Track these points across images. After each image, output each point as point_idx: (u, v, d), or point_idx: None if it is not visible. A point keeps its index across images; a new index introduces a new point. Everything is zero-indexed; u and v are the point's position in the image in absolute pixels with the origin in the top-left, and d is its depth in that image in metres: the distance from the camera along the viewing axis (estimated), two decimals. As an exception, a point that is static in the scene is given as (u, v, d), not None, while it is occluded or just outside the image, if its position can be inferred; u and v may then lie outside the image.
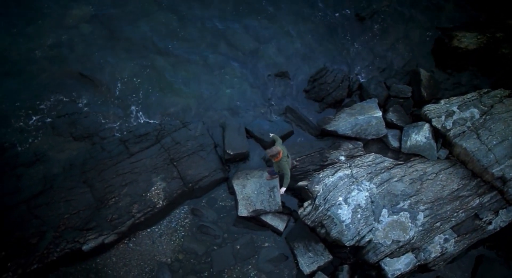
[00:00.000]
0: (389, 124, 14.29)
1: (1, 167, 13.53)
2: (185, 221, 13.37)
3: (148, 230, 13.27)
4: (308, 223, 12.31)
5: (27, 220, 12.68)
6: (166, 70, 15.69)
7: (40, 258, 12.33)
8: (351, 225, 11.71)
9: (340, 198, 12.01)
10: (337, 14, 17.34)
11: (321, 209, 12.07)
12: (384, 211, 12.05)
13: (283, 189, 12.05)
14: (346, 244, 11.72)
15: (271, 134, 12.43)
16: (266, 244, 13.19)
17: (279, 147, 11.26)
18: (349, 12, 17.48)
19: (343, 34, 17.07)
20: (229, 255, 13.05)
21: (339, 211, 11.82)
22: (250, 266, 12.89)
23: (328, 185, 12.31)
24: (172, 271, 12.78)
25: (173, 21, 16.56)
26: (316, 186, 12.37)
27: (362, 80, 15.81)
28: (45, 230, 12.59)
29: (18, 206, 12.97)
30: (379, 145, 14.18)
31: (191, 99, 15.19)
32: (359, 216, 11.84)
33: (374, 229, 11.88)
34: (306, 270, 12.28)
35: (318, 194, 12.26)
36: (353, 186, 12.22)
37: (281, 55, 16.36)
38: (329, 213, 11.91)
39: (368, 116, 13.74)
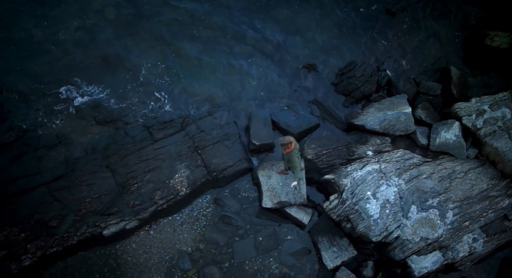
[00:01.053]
0: (418, 121, 14.06)
1: (22, 148, 13.18)
2: (207, 210, 13.08)
3: (170, 217, 12.97)
4: (333, 217, 12.01)
5: (47, 202, 12.46)
6: (191, 58, 15.47)
7: (60, 241, 12.10)
8: (379, 220, 11.40)
9: (369, 193, 11.71)
10: (366, 9, 16.90)
11: (348, 203, 11.78)
12: (413, 208, 11.74)
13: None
14: (372, 240, 11.39)
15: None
16: (289, 237, 12.92)
17: (292, 138, 11.00)
18: (378, 7, 16.95)
19: (372, 29, 16.85)
20: (251, 246, 12.77)
21: (368, 205, 11.52)
22: (271, 259, 12.62)
23: (356, 178, 12.00)
24: (193, 260, 12.52)
25: (199, 9, 16.32)
26: (343, 179, 12.06)
27: (391, 75, 15.26)
28: (65, 213, 12.37)
29: (38, 188, 12.77)
30: (406, 141, 13.90)
31: (216, 88, 14.92)
32: (387, 211, 11.54)
33: (402, 225, 11.59)
34: (330, 265, 11.98)
35: (346, 188, 11.96)
36: (381, 181, 11.91)
37: (308, 48, 16.10)
38: (356, 207, 11.60)
39: (397, 112, 13.46)
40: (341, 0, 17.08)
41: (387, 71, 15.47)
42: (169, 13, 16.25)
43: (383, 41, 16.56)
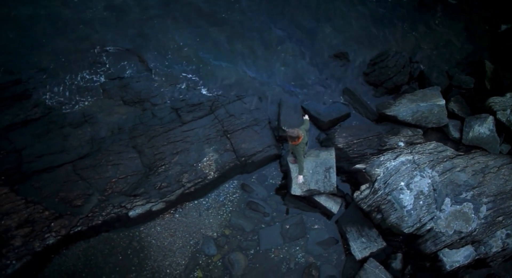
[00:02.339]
0: (450, 114, 13.85)
1: (47, 125, 12.94)
2: (234, 196, 12.83)
3: (195, 201, 12.70)
4: (364, 207, 11.74)
5: (72, 181, 12.26)
6: (221, 41, 15.20)
7: (84, 220, 11.89)
8: (412, 211, 11.14)
9: (402, 183, 11.45)
10: (401, 1, 16.56)
11: (380, 193, 11.50)
12: (447, 200, 11.49)
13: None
14: (404, 231, 11.16)
15: (305, 117, 12.03)
16: (316, 226, 12.68)
17: (301, 131, 10.74)
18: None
19: (405, 20, 16.57)
20: (277, 234, 12.54)
21: (401, 196, 11.27)
22: (298, 248, 12.40)
23: (389, 168, 11.76)
24: (218, 245, 12.27)
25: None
26: (376, 169, 11.81)
27: (423, 67, 14.99)
28: (90, 192, 12.15)
29: (63, 166, 12.54)
30: (438, 134, 13.66)
31: (245, 73, 14.74)
32: (421, 202, 11.28)
33: (436, 217, 11.34)
34: (358, 256, 11.72)
35: (378, 178, 11.69)
36: (415, 172, 11.67)
37: (339, 36, 15.87)
38: (389, 197, 11.33)
39: (430, 104, 13.20)
40: None
41: (419, 63, 15.02)
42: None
43: (415, 33, 16.25)
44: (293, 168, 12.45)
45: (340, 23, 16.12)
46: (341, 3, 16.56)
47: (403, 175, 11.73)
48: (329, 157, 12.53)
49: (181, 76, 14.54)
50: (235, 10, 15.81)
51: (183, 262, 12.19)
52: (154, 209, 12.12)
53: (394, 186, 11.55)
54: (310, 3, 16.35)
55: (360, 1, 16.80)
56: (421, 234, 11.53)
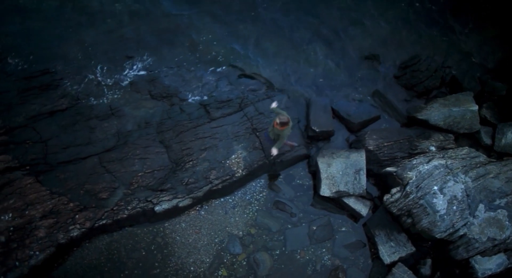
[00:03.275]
0: (482, 121, 13.68)
1: (74, 116, 12.78)
2: (260, 195, 12.60)
3: (222, 199, 12.50)
4: (394, 211, 11.49)
5: (98, 173, 12.15)
6: (250, 39, 15.09)
7: (109, 214, 11.73)
8: (445, 216, 10.89)
9: (435, 187, 11.21)
10: (432, 3, 16.36)
11: (412, 196, 11.26)
12: (481, 206, 11.25)
13: (275, 150, 11.63)
14: (436, 236, 10.92)
15: (273, 105, 11.40)
16: (343, 229, 12.44)
17: (288, 116, 10.67)
18: (445, 2, 16.44)
19: (437, 24, 16.38)
20: (304, 235, 12.37)
21: (434, 200, 11.03)
22: (324, 250, 12.16)
23: (422, 172, 11.52)
24: (243, 244, 12.06)
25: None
26: (408, 172, 11.57)
27: (455, 72, 14.76)
28: (116, 186, 12.01)
29: (89, 158, 12.36)
30: (469, 140, 13.46)
31: (274, 71, 14.52)
32: (454, 208, 11.03)
33: (469, 223, 11.09)
34: (387, 260, 11.46)
35: (411, 181, 11.45)
36: (448, 177, 11.43)
37: (369, 38, 15.72)
38: (421, 201, 11.09)
39: (463, 109, 12.98)
40: None
41: (450, 68, 14.78)
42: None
43: (447, 38, 16.14)
44: (322, 168, 12.25)
45: (370, 25, 15.97)
46: (371, 6, 16.43)
47: (436, 179, 11.49)
48: (360, 158, 12.30)
49: (209, 72, 14.37)
50: (263, 8, 15.70)
51: (208, 260, 11.97)
52: (180, 205, 11.94)
53: (427, 190, 11.30)
54: (340, 5, 16.25)
55: (390, 4, 16.61)
56: (452, 240, 11.27)
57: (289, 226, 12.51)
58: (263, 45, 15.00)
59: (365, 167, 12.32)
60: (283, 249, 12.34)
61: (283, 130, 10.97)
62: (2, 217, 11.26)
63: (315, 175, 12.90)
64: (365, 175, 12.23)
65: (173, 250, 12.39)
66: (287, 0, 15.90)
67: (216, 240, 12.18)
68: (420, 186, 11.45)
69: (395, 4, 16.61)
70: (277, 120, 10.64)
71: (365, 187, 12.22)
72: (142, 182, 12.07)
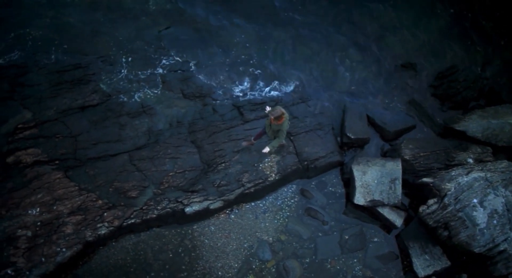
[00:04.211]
0: (521, 134, 12.95)
1: (105, 112, 12.58)
2: (292, 200, 12.29)
3: (252, 203, 12.22)
4: (430, 223, 11.14)
5: (128, 171, 11.92)
6: (285, 41, 14.94)
7: (139, 213, 11.50)
8: (485, 230, 10.51)
9: (475, 200, 10.83)
10: (469, 13, 16.08)
11: (450, 209, 10.91)
12: (522, 222, 10.75)
13: (267, 149, 11.12)
14: (475, 251, 10.55)
15: (267, 109, 11.08)
16: (376, 239, 12.07)
17: (282, 108, 10.24)
18: (480, 12, 16.16)
19: (473, 34, 15.97)
20: (335, 244, 12.06)
21: (474, 213, 10.65)
22: (355, 260, 11.85)
23: (461, 184, 11.15)
24: (273, 251, 11.78)
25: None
26: (447, 184, 11.22)
27: (492, 84, 14.44)
28: (146, 185, 11.76)
29: (119, 155, 12.06)
30: (507, 153, 12.98)
31: (309, 76, 14.30)
32: (495, 222, 10.65)
33: (510, 238, 10.65)
34: (421, 273, 11.17)
35: (449, 193, 11.10)
36: (488, 190, 11.06)
37: (404, 46, 15.54)
38: (460, 214, 10.72)
39: (502, 122, 12.66)
40: (443, 1, 15.97)
41: (489, 79, 14.45)
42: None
43: (484, 48, 15.82)
44: (357, 176, 11.96)
45: (405, 34, 15.78)
46: (407, 15, 16.29)
47: (476, 191, 11.14)
48: (396, 167, 11.98)
49: (243, 74, 14.21)
50: (299, 12, 15.54)
51: (236, 265, 11.73)
52: (211, 207, 11.72)
53: (466, 202, 10.95)
54: (376, 12, 16.11)
55: (425, 13, 16.40)
56: (491, 255, 10.90)
57: (320, 234, 12.19)
58: (297, 49, 14.85)
59: (401, 177, 11.89)
60: (313, 257, 12.07)
61: (282, 123, 10.67)
62: (30, 211, 11.04)
63: (348, 182, 12.55)
64: (400, 185, 11.89)
65: (201, 254, 12.07)
66: (322, 5, 15.55)
67: (245, 245, 11.89)
68: (459, 198, 11.09)
69: (430, 13, 16.41)
70: (271, 116, 10.33)
71: (400, 197, 11.96)
72: (173, 182, 11.79)
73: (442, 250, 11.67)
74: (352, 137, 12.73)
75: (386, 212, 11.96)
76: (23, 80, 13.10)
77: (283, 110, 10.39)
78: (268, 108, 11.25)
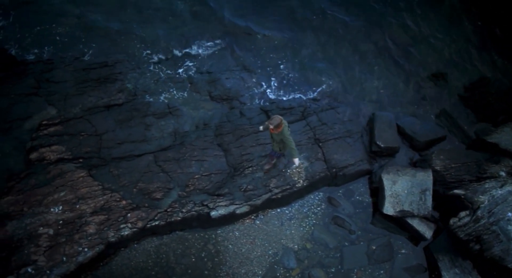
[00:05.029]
0: (554, 148, 12.62)
1: (130, 112, 12.33)
2: (318, 208, 11.99)
3: (278, 210, 11.92)
4: (461, 236, 10.78)
5: (153, 172, 11.72)
6: (314, 48, 14.88)
7: (163, 215, 11.30)
8: (520, 245, 10.05)
9: (510, 214, 10.49)
10: (498, 25, 15.85)
11: (484, 222, 10.57)
12: (558, 238, 10.38)
13: (297, 160, 10.76)
14: (508, 266, 10.30)
15: (260, 128, 10.99)
16: (403, 251, 11.74)
17: (279, 116, 9.78)
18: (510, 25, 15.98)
19: (503, 47, 15.59)
20: (362, 254, 11.77)
21: (509, 227, 10.28)
22: (382, 271, 11.55)
23: (496, 197, 10.83)
24: (298, 259, 11.51)
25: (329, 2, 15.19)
26: (480, 196, 10.88)
27: (524, 97, 14.24)
28: (171, 186, 11.57)
29: (144, 156, 11.73)
30: (540, 168, 12.53)
31: (337, 82, 14.12)
32: (530, 237, 10.19)
33: (545, 254, 10.16)
34: (451, 287, 10.56)
35: (482, 205, 10.78)
36: (523, 204, 10.58)
37: (435, 56, 15.39)
38: (494, 227, 10.38)
39: (536, 135, 12.17)
40: (471, 13, 15.73)
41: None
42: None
43: (515, 61, 15.33)
44: (387, 185, 11.59)
45: (435, 44, 15.61)
46: (437, 24, 16.12)
47: (511, 205, 10.62)
48: (427, 178, 11.68)
49: (271, 78, 13.95)
50: (327, 19, 15.39)
51: (260, 272, 11.52)
52: (238, 212, 11.48)
53: (501, 216, 10.61)
54: (406, 22, 16.03)
55: (455, 24, 16.23)
56: (525, 272, 10.37)
57: (347, 244, 11.95)
58: (325, 55, 14.65)
59: (431, 187, 11.57)
60: (339, 267, 11.86)
61: (282, 131, 10.32)
62: (52, 209, 10.81)
63: (375, 192, 12.27)
64: (431, 196, 11.56)
65: (224, 259, 11.77)
66: (352, 13, 15.35)
67: (270, 252, 11.66)
68: (493, 211, 10.76)
69: (460, 24, 16.14)
70: (270, 126, 10.02)
71: (430, 208, 11.68)
72: (199, 185, 11.54)
73: (472, 264, 11.24)
74: (382, 145, 12.44)
75: (415, 223, 11.63)
76: (49, 77, 12.89)
77: (280, 117, 10.12)
78: (260, 128, 11.11)
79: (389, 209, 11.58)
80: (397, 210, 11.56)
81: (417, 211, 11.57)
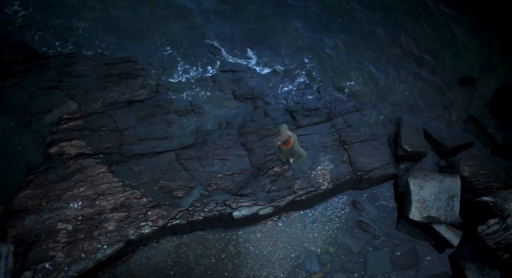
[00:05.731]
0: None
1: (152, 108, 12.09)
2: (342, 212, 11.68)
3: (301, 212, 11.64)
4: (490, 244, 10.44)
5: (175, 170, 11.55)
6: (340, 49, 14.65)
7: (184, 214, 11.12)
8: (552, 255, 9.71)
9: (542, 223, 10.03)
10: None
11: (513, 230, 10.10)
12: None
13: (291, 160, 10.45)
14: (538, 277, 9.65)
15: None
16: (428, 258, 11.50)
17: (288, 131, 9.35)
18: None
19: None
20: (386, 260, 11.53)
21: (541, 236, 9.82)
22: (406, 278, 10.76)
23: (526, 205, 10.35)
24: (321, 263, 11.22)
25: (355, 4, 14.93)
26: (511, 204, 10.38)
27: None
28: (193, 185, 11.37)
29: (166, 153, 11.62)
30: None
31: (363, 85, 13.85)
32: (563, 247, 9.83)
33: None
34: (479, 296, 10.20)
35: (512, 213, 10.28)
36: (554, 213, 10.24)
37: (463, 61, 15.18)
38: (525, 236, 9.92)
39: None
40: (503, 17, 15.51)
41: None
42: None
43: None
44: (414, 190, 11.32)
45: (463, 49, 15.41)
46: (466, 29, 15.91)
47: (542, 213, 10.34)
48: (454, 184, 11.35)
49: (296, 78, 13.81)
50: (354, 20, 15.13)
51: (282, 275, 11.39)
52: (261, 213, 11.23)
53: (531, 225, 10.15)
54: (433, 25, 15.80)
55: (482, 29, 15.99)
56: (556, 283, 10.00)
57: (370, 249, 11.69)
58: (351, 57, 14.38)
59: (459, 193, 11.20)
60: (362, 272, 11.64)
61: (292, 145, 9.97)
62: (71, 205, 10.58)
63: (400, 197, 12.03)
64: (459, 202, 11.22)
65: (245, 261, 11.52)
66: (378, 15, 15.12)
67: (292, 255, 11.49)
68: (524, 219, 10.33)
69: (489, 29, 15.91)
70: (279, 142, 9.66)
71: (458, 215, 11.39)
72: (221, 184, 11.27)
73: (501, 273, 10.85)
74: (409, 150, 12.16)
75: (442, 230, 11.31)
76: (70, 70, 12.70)
77: (289, 133, 9.72)
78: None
79: (415, 214, 11.28)
80: (423, 216, 11.24)
81: (444, 217, 11.25)
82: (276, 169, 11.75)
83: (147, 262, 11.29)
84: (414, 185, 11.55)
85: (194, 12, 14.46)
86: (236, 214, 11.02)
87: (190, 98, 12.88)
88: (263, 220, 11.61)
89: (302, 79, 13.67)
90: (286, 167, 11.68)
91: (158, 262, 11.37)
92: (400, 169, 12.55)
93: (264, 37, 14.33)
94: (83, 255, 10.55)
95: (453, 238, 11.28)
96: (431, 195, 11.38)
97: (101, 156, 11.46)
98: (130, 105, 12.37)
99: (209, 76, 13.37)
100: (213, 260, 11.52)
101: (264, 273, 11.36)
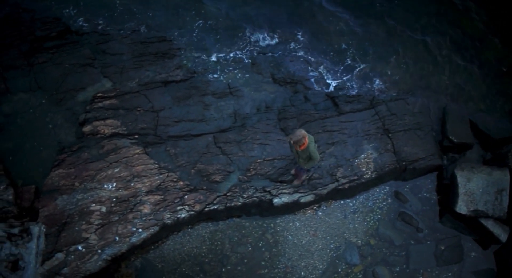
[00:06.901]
0: None
1: (189, 89, 11.68)
2: (384, 203, 11.17)
3: (342, 202, 11.18)
4: (539, 242, 9.71)
5: (212, 153, 11.23)
6: (381, 36, 14.29)
7: (222, 199, 10.79)
8: None
9: None
10: None
11: None
12: None
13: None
14: None
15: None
16: (473, 254, 11.01)
17: (303, 131, 8.76)
18: None
19: None
20: (430, 254, 11.25)
21: None
22: (450, 274, 11.01)
23: None
24: (361, 255, 10.89)
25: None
26: None
27: None
28: (231, 170, 11.10)
29: (203, 136, 11.18)
30: None
31: (406, 73, 13.57)
32: None
33: None
34: (527, 295, 9.63)
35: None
36: None
37: (508, 50, 13.92)
38: None
39: None
40: None
41: None
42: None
43: None
44: (461, 182, 10.86)
45: (509, 37, 14.24)
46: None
47: None
48: (503, 177, 10.88)
49: (339, 64, 13.48)
50: (396, 7, 14.58)
51: (321, 266, 10.98)
52: (302, 200, 10.90)
53: None
54: (478, 13, 15.49)
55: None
56: None
57: (413, 242, 11.27)
58: (394, 43, 14.02)
59: (508, 188, 10.55)
60: (404, 266, 11.21)
61: (308, 147, 9.40)
62: (106, 186, 10.28)
63: (444, 189, 11.45)
64: (508, 196, 10.58)
65: (283, 250, 11.14)
66: (421, 3, 14.40)
67: (332, 246, 11.12)
68: None
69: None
70: (291, 142, 9.17)
71: (506, 210, 10.84)
72: (261, 170, 10.85)
73: (550, 272, 10.18)
74: (455, 141, 11.65)
75: (490, 225, 10.80)
76: (104, 48, 12.32)
77: (303, 132, 9.09)
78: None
79: (462, 207, 10.74)
80: (470, 209, 10.75)
81: (491, 211, 10.77)
82: (293, 171, 11.19)
83: (181, 248, 10.98)
84: (461, 177, 11.01)
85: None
86: (276, 201, 10.57)
87: (228, 81, 12.47)
88: (302, 209, 11.27)
89: (344, 65, 13.09)
90: (306, 176, 10.82)
91: (193, 248, 11.06)
92: (445, 161, 11.81)
93: (307, 20, 14.00)
94: (117, 238, 10.23)
95: (501, 233, 10.78)
96: (479, 188, 10.87)
97: (136, 136, 11.03)
98: (166, 85, 11.95)
99: (248, 58, 12.90)
100: (250, 249, 11.13)
101: (303, 264, 11.07)
